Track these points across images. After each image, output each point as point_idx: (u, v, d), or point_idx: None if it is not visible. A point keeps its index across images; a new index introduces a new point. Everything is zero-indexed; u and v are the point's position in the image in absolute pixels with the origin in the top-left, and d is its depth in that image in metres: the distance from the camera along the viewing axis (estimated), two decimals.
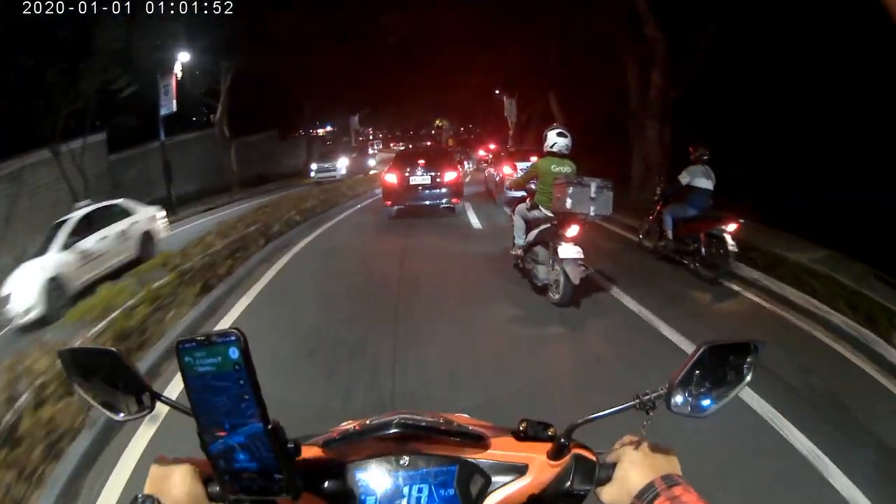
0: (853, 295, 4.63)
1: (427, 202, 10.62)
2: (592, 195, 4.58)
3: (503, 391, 3.34)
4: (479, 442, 0.82)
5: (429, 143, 35.54)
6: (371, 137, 53.69)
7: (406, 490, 0.80)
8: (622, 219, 8.30)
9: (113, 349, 0.80)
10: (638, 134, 10.96)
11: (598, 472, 0.78)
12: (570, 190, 4.59)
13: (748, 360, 0.76)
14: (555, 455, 0.79)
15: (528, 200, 5.52)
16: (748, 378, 0.76)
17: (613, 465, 0.76)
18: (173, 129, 18.21)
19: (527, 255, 5.45)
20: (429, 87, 28.39)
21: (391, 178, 10.73)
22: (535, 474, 0.80)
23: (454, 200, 10.71)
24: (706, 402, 0.75)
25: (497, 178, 12.44)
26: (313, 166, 23.20)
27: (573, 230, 4.65)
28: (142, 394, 0.80)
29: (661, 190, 6.76)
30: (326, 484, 0.79)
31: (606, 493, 0.75)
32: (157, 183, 16.79)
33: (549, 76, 16.66)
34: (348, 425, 0.95)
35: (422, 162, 10.91)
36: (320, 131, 40.06)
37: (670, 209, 6.32)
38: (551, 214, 5.04)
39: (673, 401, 0.74)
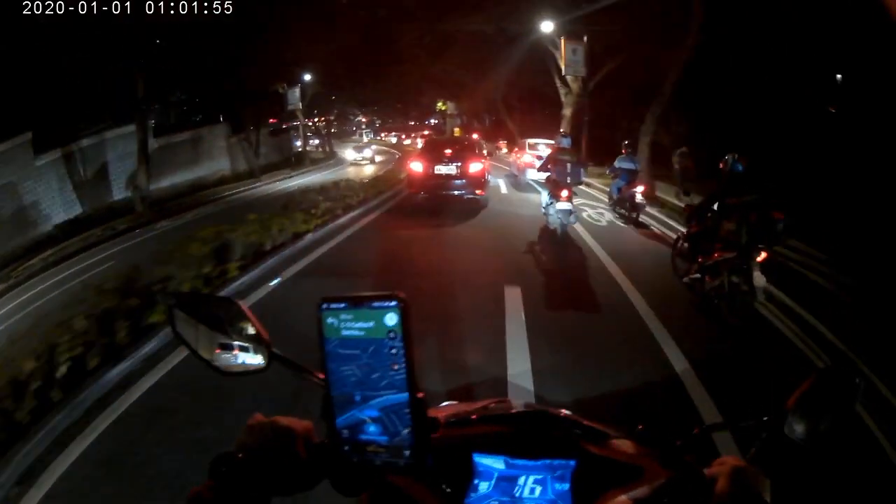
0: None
1: (452, 192, 11.50)
2: (569, 171, 8.46)
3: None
4: (601, 440, 0.86)
5: (426, 133, 33.64)
6: (363, 126, 51.43)
7: (522, 480, 0.82)
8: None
9: (232, 299, 0.82)
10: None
11: (701, 487, 0.78)
12: (556, 169, 8.56)
13: (850, 390, 0.81)
14: (669, 463, 0.83)
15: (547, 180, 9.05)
16: (852, 408, 0.81)
17: (713, 482, 0.77)
18: None
19: (545, 210, 8.94)
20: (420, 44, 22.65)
21: (417, 168, 11.76)
22: (648, 479, 0.81)
23: (478, 192, 11.58)
24: (814, 430, 0.79)
25: (518, 165, 17.22)
26: None
27: (564, 193, 8.02)
28: (257, 348, 0.81)
29: (608, 170, 12.06)
30: (441, 463, 0.77)
31: None
32: None
33: None
34: (458, 406, 1.00)
35: (447, 153, 11.90)
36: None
37: (613, 183, 11.28)
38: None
39: (787, 425, 0.80)
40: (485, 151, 16.46)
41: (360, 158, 31.17)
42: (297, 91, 25.80)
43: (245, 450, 0.70)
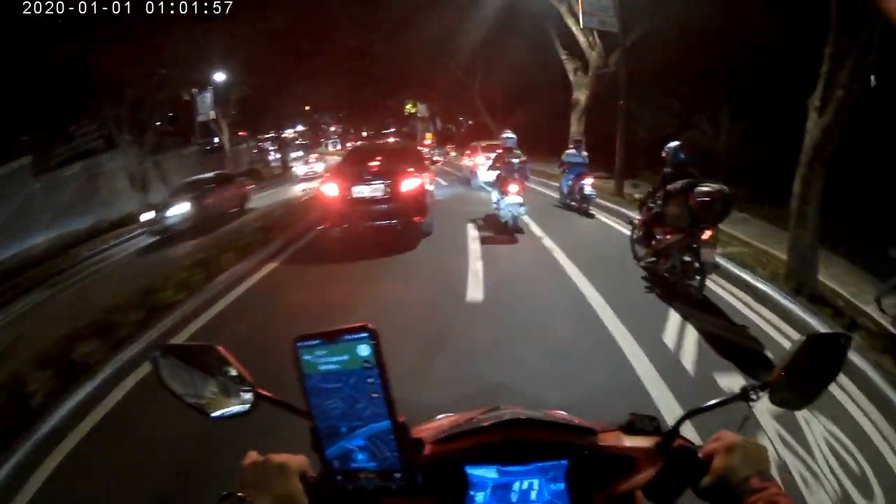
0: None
1: (379, 222, 8.14)
2: (516, 169, 8.78)
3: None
4: (589, 436, 0.89)
5: (391, 140, 27.72)
6: (330, 136, 46.51)
7: (517, 485, 0.85)
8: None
9: (213, 345, 0.86)
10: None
11: (698, 466, 0.82)
12: (504, 167, 8.96)
13: (838, 351, 0.87)
14: (662, 448, 0.86)
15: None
16: (839, 371, 0.87)
17: (710, 459, 0.82)
18: None
19: (497, 206, 9.27)
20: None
21: (330, 191, 8.33)
22: (642, 467, 0.86)
23: (416, 219, 8.26)
24: (803, 395, 0.86)
25: (470, 168, 16.40)
26: None
27: (513, 188, 8.48)
28: (243, 390, 0.86)
29: (557, 165, 11.81)
30: (437, 480, 0.83)
31: (703, 485, 0.81)
32: None
33: None
34: (450, 418, 1.05)
35: (374, 165, 8.69)
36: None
37: (564, 177, 11.17)
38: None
39: (775, 393, 0.85)
40: (436, 158, 15.27)
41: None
42: (208, 96, 20.22)
43: (246, 489, 0.72)
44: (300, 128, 64.29)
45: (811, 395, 0.86)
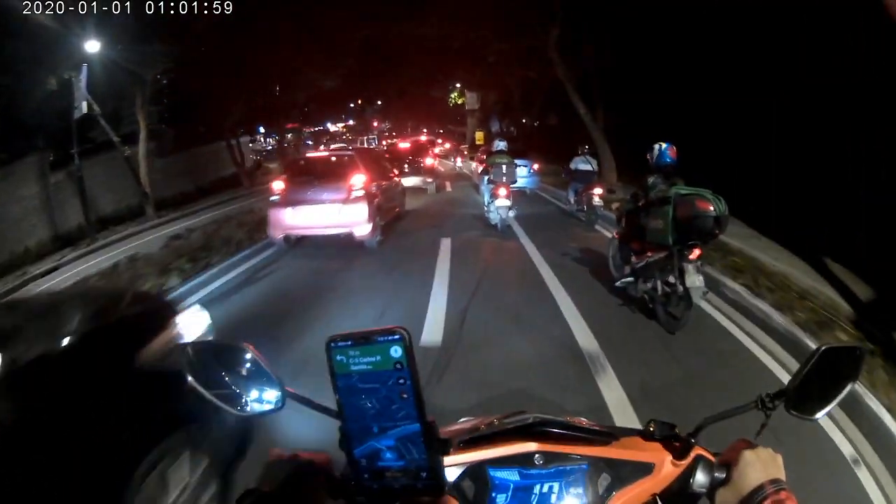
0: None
1: None
2: (504, 172, 9.33)
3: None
4: (609, 441, 0.92)
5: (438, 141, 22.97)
6: (372, 134, 39.21)
7: (537, 488, 0.87)
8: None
9: (244, 345, 0.84)
10: None
11: (715, 473, 0.84)
12: (492, 170, 9.59)
13: (853, 363, 0.87)
14: (680, 455, 0.87)
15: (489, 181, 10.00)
16: (855, 381, 0.86)
17: (728, 466, 0.82)
18: None
19: (487, 209, 10.12)
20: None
21: None
22: (660, 474, 0.87)
23: None
24: (818, 405, 0.85)
25: (477, 174, 15.85)
26: None
27: (502, 191, 9.22)
28: (272, 389, 0.85)
29: (563, 173, 12.02)
30: (459, 480, 0.86)
31: (719, 493, 0.82)
32: None
33: None
34: (474, 421, 1.06)
35: None
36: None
37: (570, 185, 11.09)
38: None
39: (791, 402, 0.85)
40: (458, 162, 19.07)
41: None
42: (82, 78, 11.91)
43: (270, 485, 0.74)
44: (351, 122, 57.10)
45: (825, 403, 0.85)
